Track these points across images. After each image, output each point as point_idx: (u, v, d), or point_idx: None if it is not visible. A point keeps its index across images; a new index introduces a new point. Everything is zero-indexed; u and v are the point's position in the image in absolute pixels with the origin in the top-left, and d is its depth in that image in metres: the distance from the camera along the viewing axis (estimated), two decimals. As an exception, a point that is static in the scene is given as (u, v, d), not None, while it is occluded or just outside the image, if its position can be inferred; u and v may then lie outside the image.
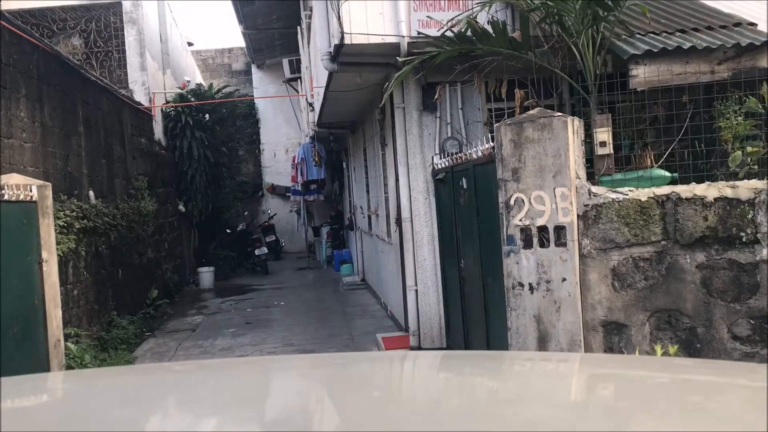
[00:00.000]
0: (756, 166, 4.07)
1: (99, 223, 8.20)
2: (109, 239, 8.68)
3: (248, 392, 1.44)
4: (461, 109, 6.97)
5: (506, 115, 5.68)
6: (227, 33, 43.92)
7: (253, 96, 19.10)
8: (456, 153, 6.29)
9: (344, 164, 15.24)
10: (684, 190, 3.81)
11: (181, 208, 13.72)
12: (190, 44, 17.85)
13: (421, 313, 7.33)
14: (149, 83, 12.57)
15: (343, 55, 6.78)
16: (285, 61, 14.89)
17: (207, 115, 13.78)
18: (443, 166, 6.16)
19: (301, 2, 12.43)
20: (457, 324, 6.10)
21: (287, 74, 15.26)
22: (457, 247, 5.82)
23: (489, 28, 5.03)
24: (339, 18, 6.37)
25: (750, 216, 3.75)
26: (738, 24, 4.69)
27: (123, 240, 9.25)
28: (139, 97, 12.10)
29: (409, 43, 6.42)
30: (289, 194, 18.19)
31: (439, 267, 6.99)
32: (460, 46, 5.04)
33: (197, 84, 14.79)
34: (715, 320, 3.80)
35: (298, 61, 14.60)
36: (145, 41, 12.51)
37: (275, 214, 18.77)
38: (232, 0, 13.72)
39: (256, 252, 15.52)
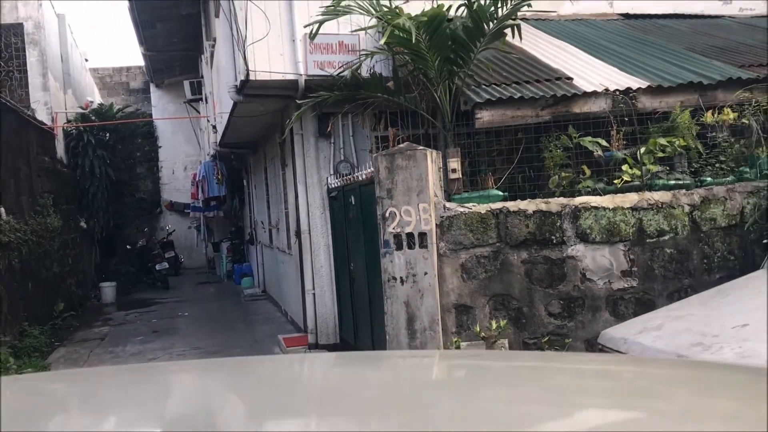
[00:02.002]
0: (567, 187, 5.46)
1: (12, 239, 8.68)
2: (21, 254, 9.14)
3: (150, 395, 1.49)
4: (352, 136, 8.11)
5: (390, 142, 6.87)
6: (124, 49, 43.31)
7: (152, 115, 19.49)
8: (348, 174, 7.41)
9: (245, 181, 16.05)
10: (512, 205, 5.12)
11: (83, 224, 14.05)
12: (85, 60, 18.10)
13: (318, 314, 8.36)
14: (51, 103, 12.93)
15: (248, 88, 7.76)
16: (186, 83, 15.56)
17: (107, 134, 14.26)
18: (336, 185, 7.26)
19: (203, 29, 13.26)
20: (348, 318, 7.19)
21: (188, 95, 15.90)
22: (348, 253, 6.93)
23: (370, 77, 6.23)
24: (245, 57, 7.37)
25: (558, 224, 5.12)
26: (559, 78, 6.13)
27: (33, 255, 9.70)
28: (42, 116, 12.44)
29: (305, 80, 7.50)
30: (188, 211, 18.69)
31: (334, 272, 8.06)
32: (347, 91, 6.20)
33: (99, 104, 15.19)
34: (536, 302, 5.12)
35: (199, 83, 15.32)
36: (47, 62, 12.88)
37: (174, 231, 19.15)
38: (134, 24, 14.28)
39: (157, 267, 15.96)
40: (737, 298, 3.74)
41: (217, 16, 9.89)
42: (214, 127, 11.62)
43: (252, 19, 7.34)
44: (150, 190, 19.94)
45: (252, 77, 7.38)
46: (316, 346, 8.34)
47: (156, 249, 17.32)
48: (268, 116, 9.41)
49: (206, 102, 14.49)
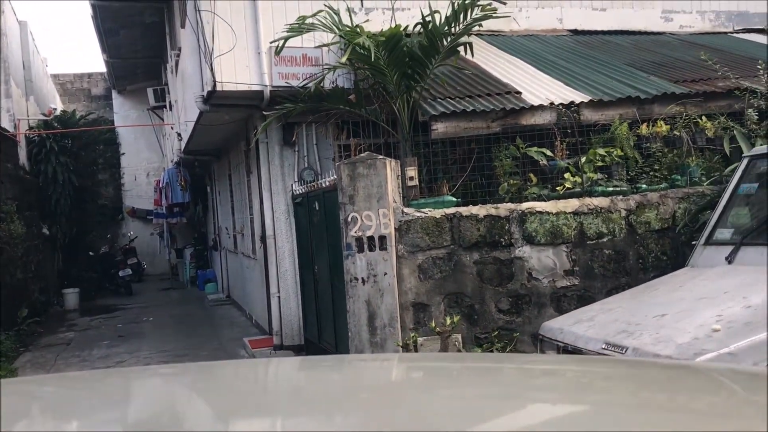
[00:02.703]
0: (516, 193, 5.90)
1: (-21, 245, 8.79)
2: (-14, 260, 9.24)
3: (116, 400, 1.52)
4: (315, 145, 8.44)
5: (352, 151, 7.23)
6: (85, 54, 42.82)
7: (114, 121, 19.50)
8: (312, 181, 7.75)
9: (208, 188, 16.22)
10: (465, 210, 5.54)
11: (46, 231, 14.06)
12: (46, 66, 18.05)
13: (283, 316, 8.66)
14: (14, 110, 12.96)
15: (214, 98, 8.04)
16: (150, 91, 15.66)
17: (69, 141, 14.32)
18: (301, 192, 7.58)
19: (167, 38, 13.44)
20: (312, 319, 7.51)
21: (152, 102, 16.01)
22: (312, 256, 7.25)
23: (333, 90, 6.60)
24: (212, 69, 7.65)
25: (507, 227, 5.54)
26: (508, 92, 6.58)
27: (-2, 260, 9.78)
28: (4, 123, 12.46)
29: (270, 91, 7.81)
30: (151, 217, 18.73)
31: (298, 275, 8.37)
32: (311, 103, 6.56)
33: (62, 111, 15.22)
34: (487, 299, 5.53)
35: (163, 90, 15.46)
36: (9, 69, 12.91)
37: (136, 237, 19.16)
38: (97, 31, 14.37)
39: (120, 273, 16.01)
40: (661, 292, 4.21)
41: (183, 27, 10.12)
42: (179, 134, 11.82)
43: (219, 32, 7.64)
44: (112, 196, 19.91)
45: (219, 88, 7.66)
46: (281, 347, 8.63)
47: (118, 255, 17.34)
48: (233, 125, 9.69)
49: (170, 109, 14.65)
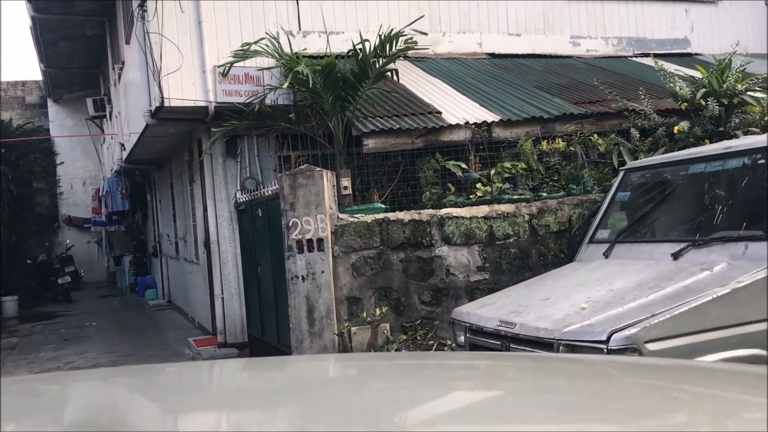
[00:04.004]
0: (436, 201, 6.78)
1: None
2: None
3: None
4: (257, 156, 9.11)
5: (292, 163, 7.97)
6: (17, 62, 41.74)
7: (49, 130, 19.51)
8: (254, 190, 8.42)
9: (148, 196, 16.57)
10: (392, 215, 6.36)
11: (-17, 239, 14.17)
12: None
13: (226, 316, 9.27)
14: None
15: (162, 113, 8.62)
16: (89, 101, 15.89)
17: (2, 149, 14.48)
18: (245, 200, 8.26)
19: (109, 51, 13.81)
20: (256, 317, 8.18)
21: (91, 112, 16.24)
22: (256, 258, 7.93)
23: (274, 108, 7.35)
24: (160, 86, 8.25)
25: (428, 230, 6.41)
26: (431, 112, 7.47)
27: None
28: (-58, 132, 12.60)
29: (215, 107, 8.47)
30: (88, 225, 18.86)
31: (242, 277, 9.01)
32: (254, 120, 7.28)
33: (-1, 120, 15.32)
34: (411, 292, 6.37)
35: (102, 101, 15.74)
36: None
37: (73, 245, 19.23)
38: (35, 42, 14.58)
39: (59, 281, 16.17)
40: (549, 281, 5.12)
41: (127, 43, 10.61)
42: (123, 145, 12.24)
43: (166, 52, 8.24)
44: (48, 205, 19.90)
45: (167, 104, 8.26)
46: (225, 345, 9.24)
47: (56, 263, 17.44)
48: (177, 136, 10.26)
49: (110, 119, 14.97)
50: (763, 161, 4.77)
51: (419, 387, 1.56)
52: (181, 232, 12.50)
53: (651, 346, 3.69)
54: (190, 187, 11.03)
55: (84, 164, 20.48)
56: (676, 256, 4.63)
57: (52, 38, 14.04)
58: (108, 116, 14.94)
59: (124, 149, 12.35)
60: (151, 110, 8.66)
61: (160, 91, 8.25)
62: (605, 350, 3.68)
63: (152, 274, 16.80)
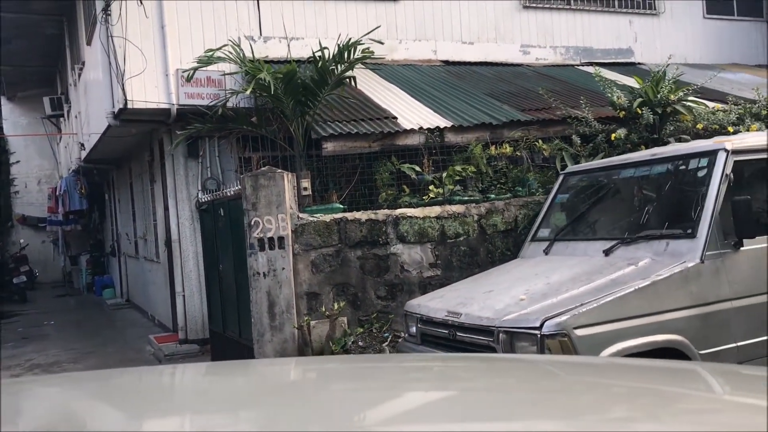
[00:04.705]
0: (392, 201, 7.18)
1: None
2: None
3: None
4: (218, 157, 9.36)
5: (253, 165, 8.26)
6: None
7: (2, 128, 19.28)
8: (215, 190, 8.68)
9: (107, 196, 16.58)
10: (350, 215, 6.73)
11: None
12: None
13: (187, 313, 9.50)
14: None
15: (125, 115, 8.82)
16: (46, 100, 15.82)
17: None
18: (207, 200, 8.50)
19: (68, 50, 13.83)
20: (217, 313, 8.44)
21: (48, 111, 16.17)
22: (217, 256, 8.20)
23: (236, 112, 7.64)
24: (123, 88, 8.45)
25: (384, 229, 6.79)
26: (387, 117, 7.86)
27: None
28: None
29: (177, 109, 8.71)
30: (43, 225, 18.72)
31: (203, 275, 9.24)
32: (217, 123, 7.56)
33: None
34: (368, 288, 6.75)
35: (60, 100, 15.70)
36: None
37: (27, 245, 19.06)
38: (-11, 40, 14.46)
39: (14, 281, 16.05)
40: (493, 276, 5.57)
41: (89, 44, 10.73)
42: (83, 144, 12.32)
43: (130, 55, 8.45)
44: (1, 204, 19.65)
45: (130, 106, 8.46)
46: (186, 341, 9.46)
47: (10, 263, 17.28)
48: (138, 136, 10.44)
49: (67, 118, 14.96)
50: (684, 167, 5.30)
51: (376, 388, 1.61)
52: (141, 231, 12.63)
53: (579, 332, 4.14)
54: (150, 186, 11.19)
55: (39, 163, 20.29)
56: (607, 252, 5.12)
57: (7, 36, 13.97)
58: (66, 115, 14.92)
59: (84, 149, 12.42)
60: (114, 112, 8.84)
61: (124, 94, 8.45)
62: (539, 335, 4.12)
63: (110, 274, 16.80)
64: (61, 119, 15.74)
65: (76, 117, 13.18)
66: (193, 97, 8.78)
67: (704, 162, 5.08)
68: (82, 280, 17.67)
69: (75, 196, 15.27)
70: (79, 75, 12.29)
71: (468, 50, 10.93)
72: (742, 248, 4.72)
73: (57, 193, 16.24)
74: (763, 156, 5.15)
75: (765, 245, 4.81)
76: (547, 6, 11.69)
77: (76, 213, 16.27)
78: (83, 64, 11.73)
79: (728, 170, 4.87)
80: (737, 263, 4.72)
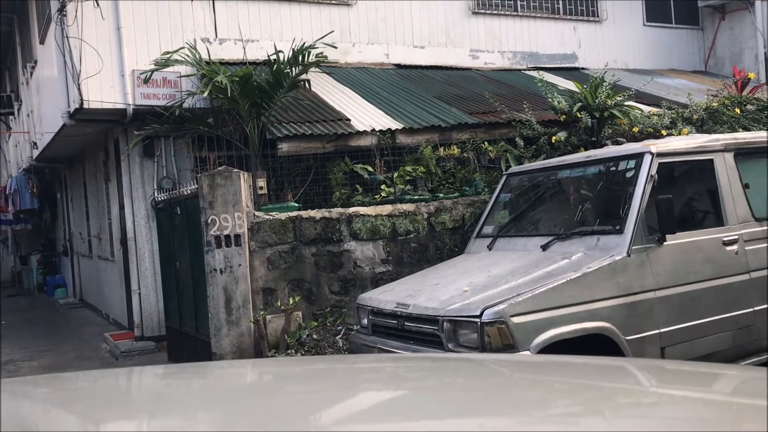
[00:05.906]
0: (345, 200, 7.48)
1: None
2: None
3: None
4: (174, 156, 9.50)
5: (209, 164, 8.45)
6: None
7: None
8: (171, 189, 8.82)
9: (58, 195, 16.42)
10: (305, 213, 7.01)
11: None
12: None
13: (143, 311, 9.61)
14: None
15: (81, 114, 8.88)
16: (-6, 97, 15.62)
17: None
18: (163, 198, 8.65)
19: (18, 48, 13.69)
20: (174, 310, 8.59)
21: (-4, 109, 15.94)
22: (174, 254, 8.35)
23: (192, 113, 7.83)
24: (79, 89, 8.53)
25: (338, 227, 7.09)
26: (340, 119, 8.16)
27: None
28: None
29: (133, 109, 8.83)
30: (-7, 224, 18.39)
31: (159, 272, 9.36)
32: (173, 124, 7.74)
33: None
34: (322, 283, 7.04)
35: (9, 97, 15.49)
36: None
37: (-26, 245, 18.70)
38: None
39: (-38, 281, 15.76)
40: (440, 270, 5.92)
41: (42, 42, 10.71)
42: (35, 143, 12.25)
43: (86, 55, 8.53)
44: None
45: (86, 106, 8.55)
46: (142, 339, 9.57)
47: (-44, 264, 16.96)
48: (93, 135, 10.48)
49: (17, 116, 14.78)
50: (614, 168, 5.74)
51: (331, 389, 1.64)
52: (95, 230, 12.61)
53: (515, 320, 4.52)
54: (105, 185, 11.23)
55: (-14, 161, 19.85)
56: (544, 247, 5.52)
57: (-46, 32, 13.77)
58: (16, 113, 14.75)
59: (36, 147, 12.35)
60: (69, 111, 8.90)
61: (80, 93, 8.53)
62: (479, 323, 4.48)
63: (62, 273, 16.64)
64: (11, 117, 15.53)
65: (28, 116, 13.08)
66: (149, 97, 8.90)
67: (632, 164, 5.52)
68: (32, 280, 17.45)
69: (26, 195, 15.11)
70: (32, 73, 12.22)
71: (419, 54, 11.29)
72: (665, 243, 5.16)
73: (6, 192, 16.02)
74: (686, 159, 5.63)
75: (686, 240, 5.28)
76: (495, 12, 12.13)
77: (27, 212, 16.08)
78: (35, 62, 11.68)
79: (653, 172, 5.31)
80: (661, 257, 5.17)
